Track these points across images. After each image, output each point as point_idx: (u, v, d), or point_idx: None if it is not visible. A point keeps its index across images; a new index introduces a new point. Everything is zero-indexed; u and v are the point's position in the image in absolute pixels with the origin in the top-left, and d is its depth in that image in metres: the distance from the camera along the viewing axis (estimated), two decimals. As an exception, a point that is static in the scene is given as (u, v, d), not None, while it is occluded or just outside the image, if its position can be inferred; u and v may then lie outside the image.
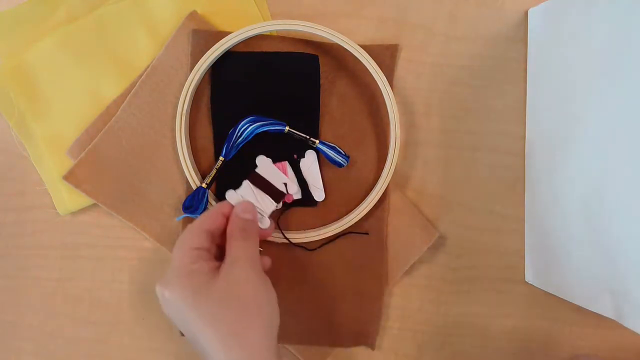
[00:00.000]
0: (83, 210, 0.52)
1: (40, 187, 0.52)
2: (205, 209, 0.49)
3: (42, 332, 0.53)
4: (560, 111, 0.47)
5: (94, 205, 0.52)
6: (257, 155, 0.50)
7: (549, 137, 0.49)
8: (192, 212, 0.48)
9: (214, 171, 0.49)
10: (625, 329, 0.42)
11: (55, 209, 0.52)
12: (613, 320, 0.44)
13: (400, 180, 0.53)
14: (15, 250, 0.53)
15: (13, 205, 0.52)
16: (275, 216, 0.51)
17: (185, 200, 0.49)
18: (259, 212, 0.48)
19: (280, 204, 0.50)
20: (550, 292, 0.51)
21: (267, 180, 0.49)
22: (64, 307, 0.53)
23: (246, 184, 0.49)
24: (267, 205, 0.49)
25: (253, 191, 0.48)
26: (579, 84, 0.44)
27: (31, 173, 0.52)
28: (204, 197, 0.49)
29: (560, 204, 0.47)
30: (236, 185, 0.49)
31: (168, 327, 0.52)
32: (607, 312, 0.44)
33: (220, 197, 0.51)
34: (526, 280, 0.54)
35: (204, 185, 0.49)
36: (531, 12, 0.48)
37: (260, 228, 0.48)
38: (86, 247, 0.53)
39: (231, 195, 0.48)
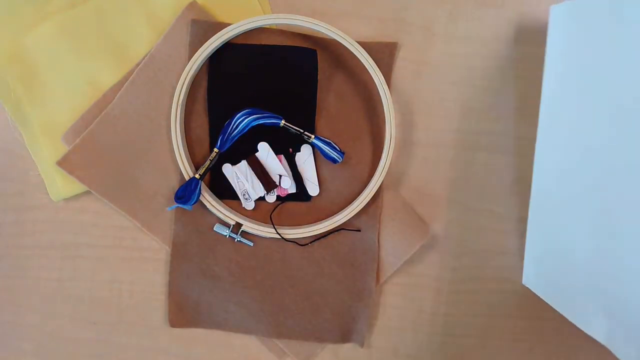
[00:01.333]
0: (83, 210, 0.52)
1: (34, 172, 0.52)
2: (197, 200, 0.49)
3: (42, 332, 0.53)
4: (579, 121, 0.44)
5: (94, 205, 0.52)
6: (256, 145, 0.51)
7: (564, 145, 0.47)
8: (184, 203, 0.49)
9: (207, 162, 0.50)
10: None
11: (53, 202, 0.52)
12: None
13: (398, 179, 0.54)
14: (15, 250, 0.53)
15: (13, 205, 0.52)
16: (268, 211, 0.52)
17: (177, 191, 0.49)
18: (247, 194, 0.50)
19: (272, 197, 0.52)
20: (545, 300, 0.51)
21: (263, 167, 0.50)
22: (64, 307, 0.53)
23: (244, 163, 0.50)
24: (257, 189, 0.51)
25: (248, 172, 0.49)
26: (601, 92, 0.42)
27: (31, 173, 0.52)
28: (197, 188, 0.49)
29: (569, 216, 0.46)
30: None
31: (168, 327, 0.52)
32: (599, 334, 0.43)
33: (214, 189, 0.52)
34: (523, 283, 0.54)
35: (197, 176, 0.49)
36: (553, 10, 0.45)
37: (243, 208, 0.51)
38: (86, 247, 0.53)
39: (227, 169, 0.51)
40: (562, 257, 0.47)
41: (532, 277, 0.52)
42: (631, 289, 0.38)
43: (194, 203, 0.49)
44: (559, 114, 0.48)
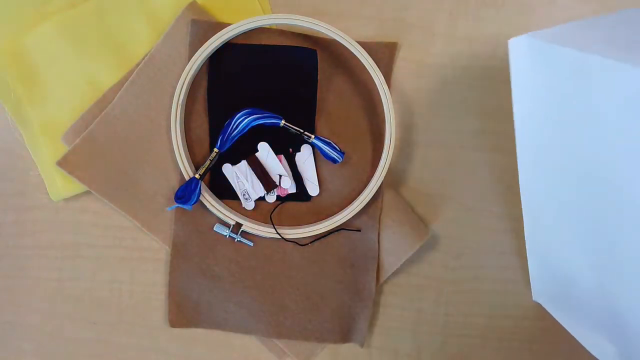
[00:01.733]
0: (83, 210, 0.52)
1: (34, 172, 0.52)
2: (197, 200, 0.49)
3: (42, 332, 0.53)
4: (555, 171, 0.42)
5: (94, 205, 0.52)
6: (256, 145, 0.51)
7: (546, 173, 0.44)
8: (184, 203, 0.49)
9: (207, 162, 0.50)
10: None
11: (53, 202, 0.52)
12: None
13: (398, 179, 0.54)
14: (15, 250, 0.53)
15: (13, 205, 0.52)
16: (268, 211, 0.52)
17: (177, 191, 0.49)
18: (247, 194, 0.50)
19: (272, 197, 0.52)
20: (556, 317, 0.51)
21: (263, 167, 0.51)
22: (64, 307, 0.53)
23: (244, 163, 0.50)
24: (257, 189, 0.51)
25: (248, 172, 0.49)
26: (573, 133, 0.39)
27: (31, 173, 0.52)
28: (197, 188, 0.49)
29: (566, 246, 0.44)
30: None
31: (168, 327, 0.52)
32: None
33: (214, 189, 0.52)
34: (533, 299, 0.53)
35: (197, 176, 0.49)
36: (512, 44, 0.41)
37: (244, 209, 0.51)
38: (86, 247, 0.53)
39: (227, 169, 0.51)
40: (564, 284, 0.47)
41: (541, 295, 0.52)
42: (635, 321, 0.38)
43: (194, 203, 0.49)
44: (535, 146, 0.46)
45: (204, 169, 0.50)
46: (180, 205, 0.49)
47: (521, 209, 0.54)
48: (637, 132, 0.32)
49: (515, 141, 0.44)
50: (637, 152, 0.32)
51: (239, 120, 0.49)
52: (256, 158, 0.51)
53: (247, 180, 0.51)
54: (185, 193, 0.49)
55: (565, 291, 0.47)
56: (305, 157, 0.52)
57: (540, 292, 0.52)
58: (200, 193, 0.49)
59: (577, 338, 0.48)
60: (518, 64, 0.40)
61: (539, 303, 0.53)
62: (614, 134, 0.34)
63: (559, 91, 0.39)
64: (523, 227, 0.54)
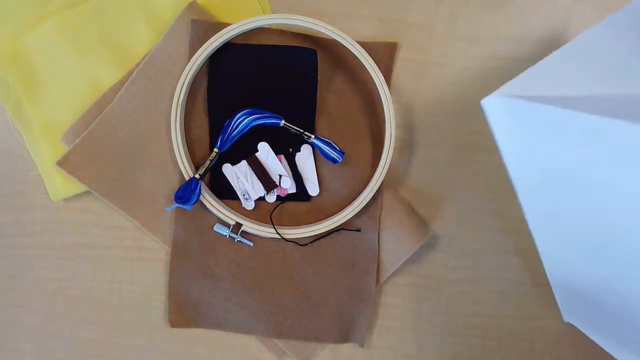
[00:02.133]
0: (83, 210, 0.52)
1: (34, 172, 0.52)
2: (197, 200, 0.49)
3: (42, 332, 0.53)
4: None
5: (94, 205, 0.52)
6: (256, 145, 0.51)
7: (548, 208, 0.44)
8: (184, 203, 0.49)
9: (207, 162, 0.50)
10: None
11: (53, 202, 0.52)
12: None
13: (398, 179, 0.54)
14: (15, 250, 0.53)
15: (13, 205, 0.52)
16: (268, 211, 0.52)
17: (177, 191, 0.49)
18: (247, 194, 0.50)
19: (272, 197, 0.52)
20: (591, 337, 0.50)
21: (263, 167, 0.51)
22: (64, 307, 0.53)
23: (244, 163, 0.50)
24: (257, 189, 0.51)
25: (248, 172, 0.49)
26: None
27: (31, 173, 0.52)
28: (197, 188, 0.49)
29: (585, 272, 0.44)
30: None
31: (168, 327, 0.52)
32: None
33: (214, 189, 0.52)
34: (565, 320, 0.53)
35: (197, 176, 0.49)
36: (486, 104, 0.39)
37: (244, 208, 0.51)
38: (86, 247, 0.53)
39: (227, 169, 0.51)
40: (590, 305, 0.47)
41: (571, 316, 0.52)
42: None
43: (194, 203, 0.49)
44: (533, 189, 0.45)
45: (204, 169, 0.50)
46: (180, 206, 0.49)
47: (521, 208, 0.54)
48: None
49: (513, 185, 0.43)
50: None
51: (239, 120, 0.49)
52: (256, 158, 0.51)
53: (247, 180, 0.51)
54: (185, 193, 0.49)
55: (592, 311, 0.47)
56: (305, 157, 0.52)
57: (570, 314, 0.52)
58: (200, 193, 0.49)
59: (614, 355, 0.48)
60: (497, 122, 0.40)
61: (570, 323, 0.53)
62: (612, 183, 0.34)
63: (545, 147, 0.39)
64: (523, 227, 0.54)
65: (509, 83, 0.38)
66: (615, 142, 0.32)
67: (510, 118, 0.39)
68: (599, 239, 0.39)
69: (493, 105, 0.38)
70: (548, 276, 0.50)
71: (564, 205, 0.41)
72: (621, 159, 0.33)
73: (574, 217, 0.41)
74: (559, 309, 0.54)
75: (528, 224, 0.45)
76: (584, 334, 0.54)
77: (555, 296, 0.52)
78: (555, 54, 0.41)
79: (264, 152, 0.51)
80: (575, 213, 0.40)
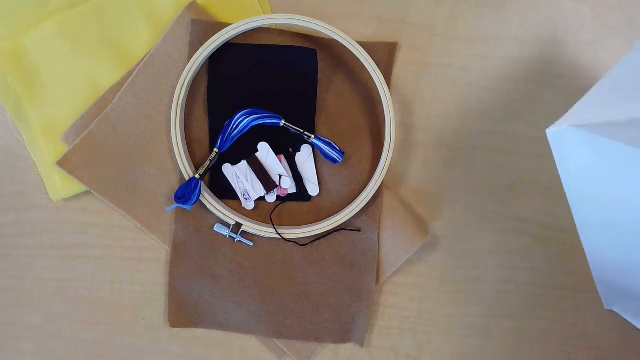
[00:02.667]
0: (83, 210, 0.52)
1: (34, 172, 0.52)
2: (197, 200, 0.49)
3: (42, 332, 0.53)
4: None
5: (94, 205, 0.52)
6: (256, 145, 0.51)
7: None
8: (184, 203, 0.49)
9: (207, 162, 0.50)
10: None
11: (53, 202, 0.52)
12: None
13: (398, 179, 0.54)
14: (15, 250, 0.53)
15: (13, 205, 0.52)
16: (268, 211, 0.52)
17: (177, 191, 0.49)
18: (247, 194, 0.50)
19: (272, 197, 0.52)
20: (634, 324, 0.50)
21: (263, 167, 0.51)
22: (64, 307, 0.53)
23: (244, 163, 0.51)
24: (257, 189, 0.51)
25: (248, 172, 0.49)
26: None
27: (31, 173, 0.52)
28: (197, 188, 0.49)
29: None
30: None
31: (168, 327, 0.52)
32: None
33: (214, 189, 0.52)
34: (606, 308, 0.52)
35: (197, 176, 0.49)
36: (551, 134, 0.39)
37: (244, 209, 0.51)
38: (86, 247, 0.53)
39: (227, 169, 0.51)
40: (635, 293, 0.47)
41: (613, 302, 0.52)
42: None
43: (194, 203, 0.49)
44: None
45: (204, 169, 0.50)
46: (180, 205, 0.49)
47: (521, 209, 0.54)
48: None
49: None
50: None
51: (239, 120, 0.49)
52: (256, 158, 0.51)
53: (247, 180, 0.51)
54: (186, 193, 0.49)
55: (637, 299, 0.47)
56: (305, 157, 0.52)
57: (612, 301, 0.52)
58: (200, 193, 0.49)
59: None
60: (561, 152, 0.39)
61: (613, 311, 0.53)
62: None
63: (613, 180, 0.39)
64: (523, 227, 0.54)
65: (572, 111, 0.38)
66: None
67: (579, 150, 0.39)
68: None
69: (557, 135, 0.38)
70: (590, 267, 0.49)
71: (620, 223, 0.41)
72: None
73: (628, 233, 0.41)
74: (558, 309, 0.54)
75: (579, 231, 0.45)
76: (585, 334, 0.54)
77: (597, 284, 0.51)
78: (613, 73, 0.40)
79: (264, 152, 0.51)
80: (629, 217, 0.40)
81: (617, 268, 0.46)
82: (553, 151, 0.40)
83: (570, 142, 0.38)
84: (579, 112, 0.38)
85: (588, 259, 0.48)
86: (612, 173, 0.38)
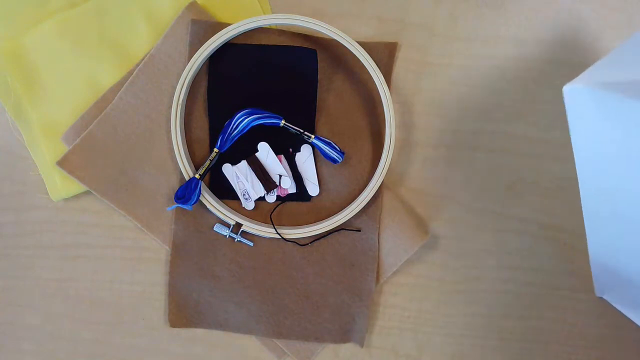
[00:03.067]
0: (83, 210, 0.52)
1: (34, 172, 0.52)
2: (197, 200, 0.49)
3: (42, 332, 0.53)
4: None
5: (94, 205, 0.52)
6: (257, 145, 0.51)
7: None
8: (184, 203, 0.49)
9: (207, 162, 0.50)
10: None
11: (53, 202, 0.52)
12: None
13: (398, 179, 0.54)
14: (15, 250, 0.53)
15: (13, 205, 0.52)
16: (268, 211, 0.52)
17: (177, 191, 0.49)
18: (247, 194, 0.50)
19: (272, 197, 0.52)
20: (625, 314, 0.50)
21: (263, 167, 0.51)
22: (64, 307, 0.53)
23: (244, 163, 0.51)
24: (257, 189, 0.51)
25: (248, 172, 0.49)
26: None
27: (31, 173, 0.52)
28: (197, 188, 0.49)
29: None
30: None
31: (168, 327, 0.52)
32: None
33: (214, 189, 0.52)
34: (597, 295, 0.53)
35: (197, 176, 0.49)
36: (566, 91, 0.40)
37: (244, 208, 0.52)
38: (86, 247, 0.53)
39: (227, 169, 0.51)
40: (631, 280, 0.47)
41: (605, 289, 0.52)
42: None
43: (194, 203, 0.49)
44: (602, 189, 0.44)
45: (204, 169, 0.50)
46: (180, 206, 0.49)
47: (521, 209, 0.54)
48: None
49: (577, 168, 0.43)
50: None
51: (239, 120, 0.49)
52: (256, 158, 0.51)
53: (247, 180, 0.51)
54: (186, 193, 0.49)
55: (632, 286, 0.47)
56: (305, 157, 0.52)
57: (604, 288, 0.52)
58: (200, 193, 0.49)
59: None
60: (575, 111, 0.39)
61: (602, 298, 0.53)
62: None
63: (625, 140, 0.38)
64: (523, 227, 0.54)
65: (589, 70, 0.38)
66: None
67: (590, 108, 0.39)
68: None
69: (574, 93, 0.38)
70: (589, 250, 0.50)
71: (624, 188, 0.41)
72: None
73: (632, 200, 0.41)
74: (559, 309, 0.54)
75: (581, 197, 0.45)
76: (585, 334, 0.54)
77: (592, 270, 0.52)
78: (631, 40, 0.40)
79: (264, 152, 0.51)
80: (633, 196, 0.40)
81: (615, 244, 0.46)
82: (567, 109, 0.39)
83: (585, 100, 0.38)
84: (596, 71, 0.38)
85: (587, 233, 0.48)
86: (624, 133, 0.38)
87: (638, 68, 0.37)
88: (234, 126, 0.49)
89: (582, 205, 0.45)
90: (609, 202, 0.43)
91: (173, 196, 0.50)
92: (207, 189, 0.51)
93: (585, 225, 0.47)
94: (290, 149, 0.52)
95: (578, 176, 0.43)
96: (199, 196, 0.49)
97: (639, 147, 0.38)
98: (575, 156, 0.42)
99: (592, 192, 0.44)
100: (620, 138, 0.39)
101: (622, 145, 0.39)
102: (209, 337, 0.53)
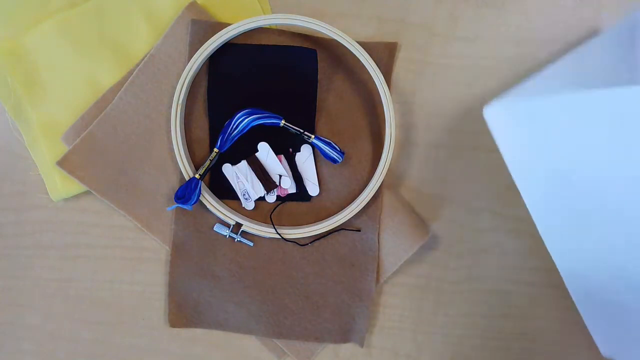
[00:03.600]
0: (83, 210, 0.52)
1: (34, 172, 0.52)
2: (197, 200, 0.49)
3: (42, 332, 0.53)
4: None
5: (94, 205, 0.52)
6: (256, 145, 0.51)
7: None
8: (184, 203, 0.49)
9: (207, 162, 0.50)
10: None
11: (53, 202, 0.52)
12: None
13: (398, 179, 0.54)
14: (15, 250, 0.53)
15: (13, 205, 0.52)
16: (268, 211, 0.52)
17: (177, 191, 0.49)
18: (247, 194, 0.50)
19: (272, 197, 0.52)
20: None
21: (263, 167, 0.51)
22: (64, 307, 0.53)
23: (244, 163, 0.51)
24: (257, 189, 0.51)
25: (248, 172, 0.49)
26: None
27: (31, 173, 0.52)
28: (197, 188, 0.49)
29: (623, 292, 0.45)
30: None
31: (168, 327, 0.52)
32: None
33: (214, 189, 0.52)
34: (603, 355, 0.52)
35: (197, 176, 0.49)
36: (486, 112, 0.41)
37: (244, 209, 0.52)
38: (86, 247, 0.53)
39: (227, 169, 0.51)
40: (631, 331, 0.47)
41: (611, 349, 0.51)
42: None
43: (194, 203, 0.49)
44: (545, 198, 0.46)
45: (204, 169, 0.50)
46: (180, 205, 0.49)
47: (521, 209, 0.54)
48: None
49: (519, 189, 0.44)
50: None
51: (239, 120, 0.49)
52: (256, 158, 0.51)
53: (247, 180, 0.51)
54: (186, 193, 0.49)
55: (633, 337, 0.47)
56: (305, 157, 0.52)
57: (609, 348, 0.51)
58: (200, 193, 0.49)
59: None
60: (498, 128, 0.41)
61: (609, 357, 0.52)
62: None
63: (546, 140, 0.40)
64: (522, 227, 0.54)
65: (506, 93, 0.40)
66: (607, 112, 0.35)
67: (510, 120, 0.40)
68: (606, 224, 0.40)
69: (493, 112, 0.40)
70: (580, 310, 0.50)
71: (570, 197, 0.42)
72: (618, 125, 0.35)
73: (580, 208, 0.42)
74: (558, 309, 0.54)
75: (536, 225, 0.46)
76: (585, 334, 0.54)
77: (591, 332, 0.51)
78: (548, 67, 0.43)
79: (264, 152, 0.51)
80: (580, 202, 0.41)
81: (584, 264, 0.47)
82: (492, 132, 0.41)
83: (503, 115, 0.40)
84: (511, 93, 0.41)
85: (561, 273, 0.48)
86: (545, 132, 0.40)
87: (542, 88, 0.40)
88: (234, 126, 0.49)
89: (537, 225, 0.46)
90: (558, 209, 0.45)
91: (173, 196, 0.50)
92: (207, 189, 0.51)
93: (552, 255, 0.47)
94: (290, 149, 0.52)
95: (522, 195, 0.44)
96: (199, 196, 0.49)
97: (556, 141, 0.40)
98: (513, 176, 0.44)
99: (539, 204, 0.45)
100: (540, 140, 0.41)
101: (543, 146, 0.41)
102: (208, 337, 0.53)
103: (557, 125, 0.39)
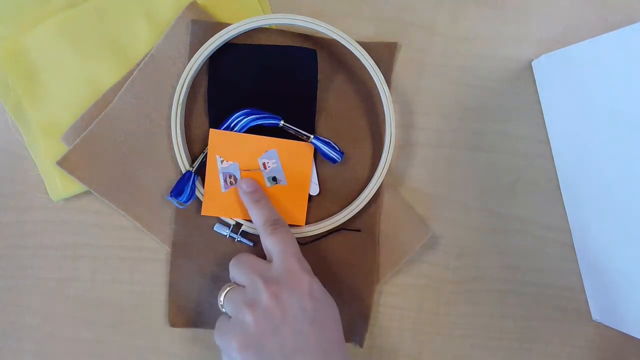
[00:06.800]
0: (83, 210, 0.52)
1: (34, 172, 0.52)
2: (192, 194, 0.49)
3: (42, 332, 0.53)
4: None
5: (94, 205, 0.52)
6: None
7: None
8: (177, 196, 0.48)
9: (201, 156, 0.49)
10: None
11: (53, 202, 0.52)
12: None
13: (398, 179, 0.54)
14: (15, 250, 0.53)
15: (13, 205, 0.52)
16: None
17: (173, 187, 0.49)
18: None
19: None
20: (624, 331, 0.50)
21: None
22: (64, 307, 0.53)
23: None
24: None
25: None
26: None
27: (31, 173, 0.52)
28: (189, 180, 0.49)
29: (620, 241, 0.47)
30: None
31: (168, 327, 0.52)
32: None
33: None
34: (594, 319, 0.54)
35: (190, 168, 0.49)
36: (535, 65, 0.48)
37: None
38: (86, 247, 0.53)
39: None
40: (622, 293, 0.48)
41: (602, 312, 0.52)
42: None
43: (189, 198, 0.49)
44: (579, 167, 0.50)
45: (199, 162, 0.50)
46: (170, 199, 0.49)
47: (522, 209, 0.54)
48: None
49: (555, 165, 0.49)
50: None
51: (236, 120, 0.49)
52: None
53: None
54: (180, 187, 0.49)
55: (624, 300, 0.48)
56: (305, 157, 0.52)
57: (600, 311, 0.52)
58: (195, 187, 0.49)
59: None
60: (545, 79, 0.46)
61: (598, 321, 0.54)
62: None
63: (585, 86, 0.44)
64: (522, 227, 0.54)
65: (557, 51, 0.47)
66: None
67: (554, 70, 0.46)
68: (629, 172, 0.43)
69: (541, 64, 0.46)
70: (581, 270, 0.52)
71: (597, 154, 0.45)
72: None
73: (605, 168, 0.45)
74: (559, 309, 0.54)
75: (558, 175, 0.50)
76: (586, 334, 0.54)
77: (587, 293, 0.53)
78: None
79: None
80: (606, 163, 0.45)
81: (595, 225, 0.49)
82: (537, 83, 0.48)
83: (549, 66, 0.46)
84: (563, 51, 0.48)
85: (574, 240, 0.50)
86: (583, 92, 0.45)
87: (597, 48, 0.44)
88: (231, 125, 0.49)
89: (561, 186, 0.51)
90: (585, 171, 0.48)
91: (169, 193, 0.50)
92: (201, 183, 0.51)
93: (568, 218, 0.51)
94: (290, 149, 0.52)
95: (552, 147, 0.49)
96: (193, 190, 0.49)
97: (595, 99, 0.44)
98: (547, 126, 0.49)
99: (568, 166, 0.50)
100: (583, 89, 0.45)
101: (586, 94, 0.45)
102: (209, 337, 0.53)
103: (599, 65, 0.43)
